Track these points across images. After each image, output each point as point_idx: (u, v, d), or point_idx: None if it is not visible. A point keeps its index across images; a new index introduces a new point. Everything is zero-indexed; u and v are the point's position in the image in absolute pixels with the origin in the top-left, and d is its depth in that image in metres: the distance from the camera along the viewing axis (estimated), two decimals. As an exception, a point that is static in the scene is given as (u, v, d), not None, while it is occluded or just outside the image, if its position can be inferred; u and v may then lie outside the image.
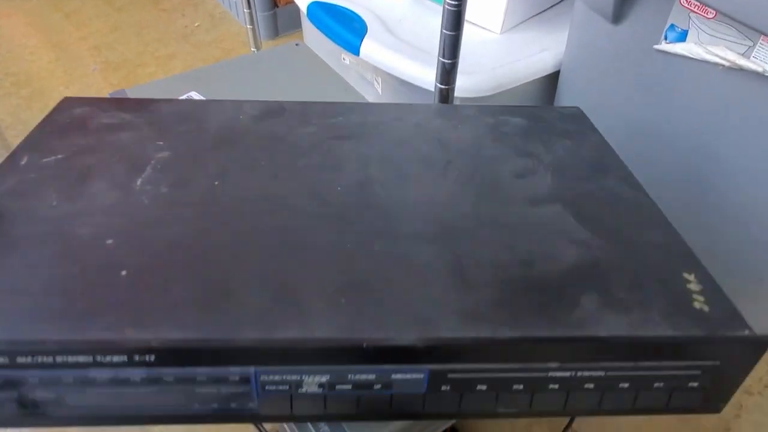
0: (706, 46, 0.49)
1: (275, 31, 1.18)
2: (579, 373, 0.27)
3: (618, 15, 0.56)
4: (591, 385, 0.27)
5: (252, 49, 0.97)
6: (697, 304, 0.28)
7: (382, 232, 0.32)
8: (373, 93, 0.86)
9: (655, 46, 0.54)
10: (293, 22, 1.17)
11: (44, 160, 0.37)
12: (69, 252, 0.29)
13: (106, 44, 1.16)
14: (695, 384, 0.28)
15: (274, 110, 0.45)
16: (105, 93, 1.05)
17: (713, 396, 0.29)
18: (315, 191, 0.35)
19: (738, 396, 0.61)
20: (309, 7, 0.82)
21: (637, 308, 0.28)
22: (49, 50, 1.16)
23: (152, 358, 0.25)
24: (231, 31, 1.20)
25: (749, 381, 0.63)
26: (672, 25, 0.52)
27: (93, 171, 0.36)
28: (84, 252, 0.30)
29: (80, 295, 0.27)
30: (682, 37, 0.51)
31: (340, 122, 0.44)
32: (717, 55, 0.49)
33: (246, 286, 0.28)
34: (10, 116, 1.02)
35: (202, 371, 0.26)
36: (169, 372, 0.26)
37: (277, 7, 1.14)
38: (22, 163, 0.36)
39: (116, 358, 0.25)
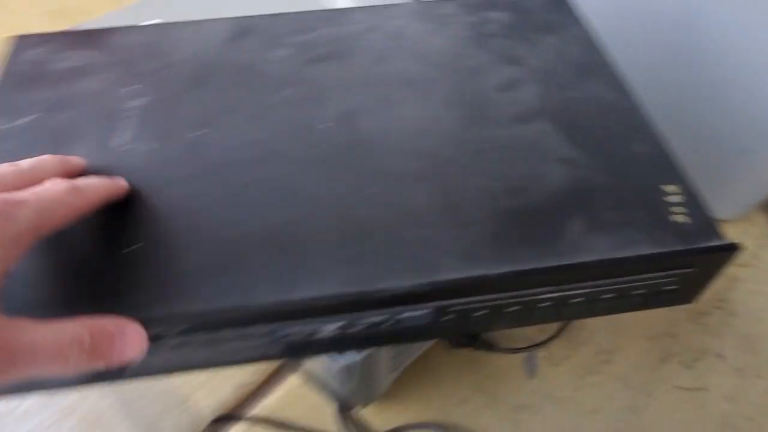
0: None
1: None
2: (568, 292, 0.30)
3: None
4: (579, 299, 0.30)
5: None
6: (675, 217, 0.31)
7: (372, 172, 0.33)
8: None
9: None
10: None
11: (18, 122, 0.35)
12: (73, 231, 0.29)
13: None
14: (672, 287, 0.31)
15: (244, 29, 0.43)
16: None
17: (688, 293, 0.33)
18: (299, 131, 0.35)
19: (733, 269, 0.63)
20: None
21: (620, 228, 0.30)
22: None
23: (180, 329, 0.27)
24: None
25: (742, 256, 0.65)
26: None
27: (71, 132, 0.35)
28: (89, 229, 0.30)
29: (101, 275, 0.28)
30: None
31: (315, 39, 0.42)
32: None
33: (253, 246, 0.29)
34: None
35: (226, 333, 0.28)
36: (196, 338, 0.28)
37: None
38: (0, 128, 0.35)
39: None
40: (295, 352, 0.30)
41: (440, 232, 0.30)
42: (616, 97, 0.38)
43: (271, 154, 0.34)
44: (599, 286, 0.30)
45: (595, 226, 0.30)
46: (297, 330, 0.29)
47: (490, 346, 0.53)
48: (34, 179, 0.26)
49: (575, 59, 0.41)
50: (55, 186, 0.25)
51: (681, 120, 0.62)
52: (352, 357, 0.38)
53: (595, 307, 0.32)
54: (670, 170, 0.33)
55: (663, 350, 0.56)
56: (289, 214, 0.31)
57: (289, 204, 0.31)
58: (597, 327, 0.57)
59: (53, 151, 0.33)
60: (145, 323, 0.26)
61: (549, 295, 0.30)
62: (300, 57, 0.41)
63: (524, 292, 0.30)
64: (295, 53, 0.41)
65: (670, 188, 0.32)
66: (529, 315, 0.31)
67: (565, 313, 0.32)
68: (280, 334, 0.29)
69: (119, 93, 0.38)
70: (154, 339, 0.27)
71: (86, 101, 0.37)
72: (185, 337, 0.28)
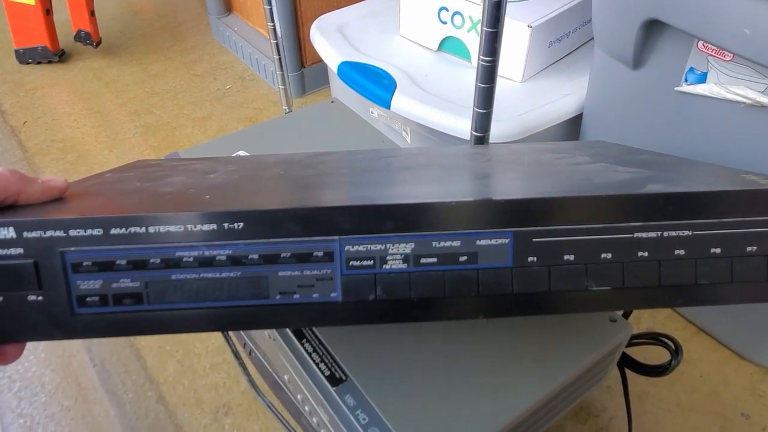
0: (727, 86, 0.53)
1: (303, 90, 1.24)
2: (666, 233, 0.26)
3: (638, 61, 0.60)
4: (681, 252, 0.26)
5: (284, 108, 1.02)
6: (762, 182, 0.28)
7: None
8: (402, 142, 0.90)
9: (676, 88, 0.57)
10: (319, 80, 1.24)
11: None
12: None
13: (144, 109, 1.24)
14: None
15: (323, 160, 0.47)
16: (147, 155, 1.11)
17: None
18: None
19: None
20: (339, 67, 0.88)
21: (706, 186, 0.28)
22: (91, 117, 1.23)
23: (240, 225, 0.24)
24: (260, 92, 1.27)
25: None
26: (691, 68, 0.55)
27: None
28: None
29: (177, 201, 0.29)
30: (702, 78, 0.55)
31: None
32: (738, 94, 0.52)
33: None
34: (57, 180, 1.08)
35: (287, 246, 0.25)
36: (254, 248, 0.25)
37: (304, 67, 1.21)
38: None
39: (206, 227, 0.24)
40: (357, 295, 0.26)
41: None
42: None
43: None
44: (699, 227, 0.26)
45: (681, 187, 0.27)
46: (361, 249, 0.25)
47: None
48: None
49: None
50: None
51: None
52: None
53: (703, 269, 0.27)
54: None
55: None
56: None
57: None
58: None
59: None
60: (205, 215, 0.25)
61: (644, 235, 0.26)
62: None
63: (614, 226, 0.26)
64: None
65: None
66: (624, 269, 0.26)
67: (668, 273, 0.27)
68: (344, 254, 0.25)
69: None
70: None
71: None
72: (245, 245, 0.25)
